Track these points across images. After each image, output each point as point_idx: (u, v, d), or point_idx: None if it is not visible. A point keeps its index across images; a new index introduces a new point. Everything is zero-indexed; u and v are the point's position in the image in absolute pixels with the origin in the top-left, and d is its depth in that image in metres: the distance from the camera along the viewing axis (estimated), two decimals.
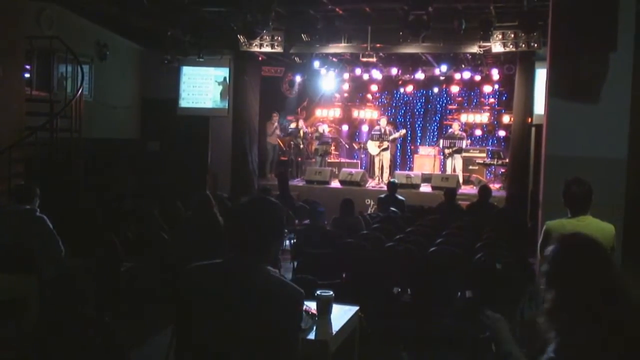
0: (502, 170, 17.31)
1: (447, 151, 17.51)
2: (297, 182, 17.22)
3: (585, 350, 2.54)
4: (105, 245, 7.32)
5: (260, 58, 17.02)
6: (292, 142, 18.89)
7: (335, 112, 21.56)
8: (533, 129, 14.51)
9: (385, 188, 14.09)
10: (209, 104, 17.02)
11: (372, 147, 17.70)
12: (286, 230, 10.63)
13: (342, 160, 20.11)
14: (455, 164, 17.39)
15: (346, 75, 20.18)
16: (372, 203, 15.12)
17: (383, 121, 18.10)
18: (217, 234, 8.02)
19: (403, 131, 19.05)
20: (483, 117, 19.93)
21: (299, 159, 19.07)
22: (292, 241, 10.26)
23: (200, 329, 3.01)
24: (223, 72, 16.83)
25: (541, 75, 13.33)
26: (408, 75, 19.07)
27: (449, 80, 19.58)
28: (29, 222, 6.51)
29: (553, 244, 2.76)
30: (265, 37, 14.66)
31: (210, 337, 2.98)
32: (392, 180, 14.73)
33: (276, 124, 18.91)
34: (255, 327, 2.91)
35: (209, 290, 3.02)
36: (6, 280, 5.71)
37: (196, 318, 3.02)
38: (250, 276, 2.97)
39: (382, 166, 17.56)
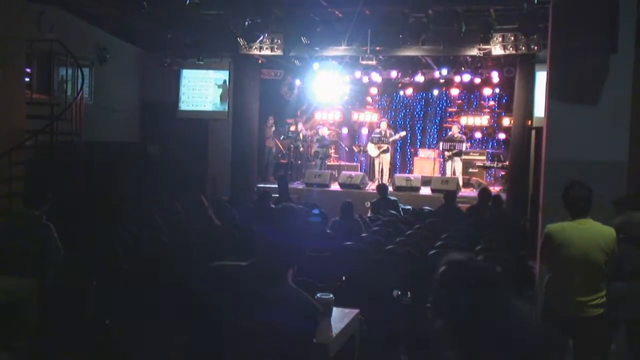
0: (502, 173, 17.31)
1: (447, 154, 17.51)
2: (297, 185, 17.21)
3: None
4: (106, 247, 7.32)
5: (259, 61, 17.03)
6: (291, 145, 18.89)
7: (335, 115, 21.53)
8: (533, 132, 14.50)
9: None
10: (208, 107, 17.03)
11: (372, 149, 17.71)
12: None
13: (342, 163, 20.11)
14: (455, 167, 17.39)
15: (346, 78, 20.19)
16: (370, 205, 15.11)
17: (383, 124, 18.11)
18: (212, 235, 8.03)
19: (403, 133, 19.07)
20: (483, 120, 19.91)
21: (299, 162, 19.06)
22: None
23: (214, 332, 3.01)
24: (223, 75, 16.85)
25: (541, 78, 13.32)
26: (408, 78, 19.06)
27: (449, 82, 19.57)
28: (34, 229, 6.49)
29: (443, 265, 2.78)
30: (264, 40, 14.67)
31: (221, 340, 2.98)
32: (381, 183, 14.75)
33: (273, 127, 18.93)
34: (270, 336, 2.90)
35: (228, 293, 3.02)
36: (6, 283, 5.69)
37: (211, 320, 3.02)
38: (270, 285, 2.97)
39: (382, 169, 17.57)
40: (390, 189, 15.58)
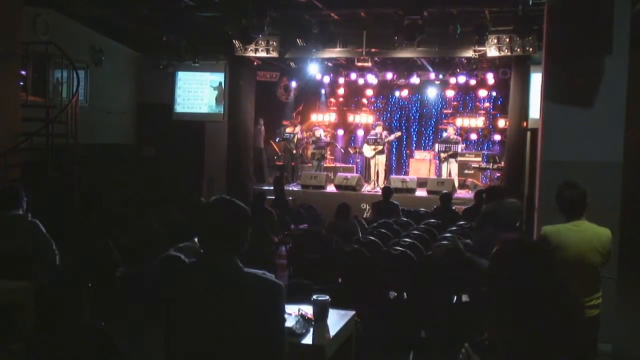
0: (498, 175, 17.33)
1: (442, 155, 17.52)
2: (293, 187, 17.20)
3: (520, 353, 2.66)
4: (101, 250, 7.31)
5: (255, 63, 17.02)
6: (287, 147, 18.89)
7: (331, 117, 21.58)
8: (528, 133, 14.53)
9: (380, 193, 14.05)
10: (204, 109, 17.02)
11: (368, 150, 17.71)
12: (278, 237, 10.71)
13: (338, 164, 20.11)
14: (451, 168, 17.40)
15: (341, 80, 20.24)
16: (367, 207, 15.12)
17: (379, 128, 18.08)
18: None
19: (398, 133, 19.15)
20: (478, 122, 19.97)
21: (295, 163, 19.04)
22: (288, 246, 10.28)
23: (183, 329, 3.05)
24: (218, 77, 16.84)
25: (536, 79, 13.36)
26: (403, 80, 19.10)
27: (444, 84, 19.62)
28: (21, 228, 6.44)
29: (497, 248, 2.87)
30: (260, 42, 14.66)
31: (193, 336, 3.02)
32: (386, 185, 14.77)
33: (262, 128, 18.98)
34: (236, 323, 2.95)
35: (188, 289, 3.10)
36: (2, 286, 5.69)
37: (179, 318, 3.08)
38: (224, 273, 3.05)
39: (378, 170, 17.56)
40: None
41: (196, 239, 3.30)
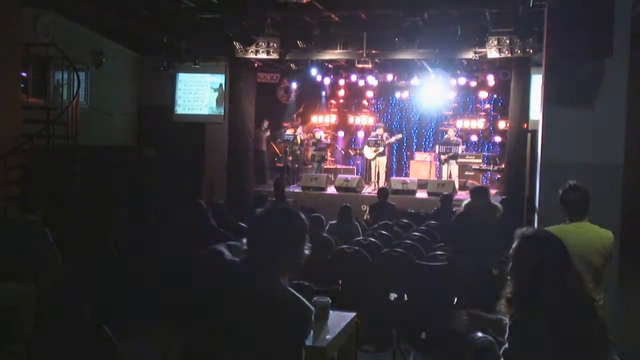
0: (498, 176, 17.33)
1: (443, 157, 17.53)
2: (293, 189, 17.19)
3: (531, 339, 2.72)
4: (102, 251, 7.31)
5: (255, 64, 17.02)
6: (288, 149, 18.88)
7: (331, 119, 21.57)
8: (529, 135, 14.51)
9: None
10: (204, 111, 16.99)
11: (368, 151, 17.70)
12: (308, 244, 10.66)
13: (338, 166, 20.12)
14: (451, 170, 17.40)
15: (342, 82, 20.22)
16: (368, 209, 15.11)
17: (380, 130, 18.07)
18: (209, 237, 8.01)
19: (399, 135, 19.08)
20: (479, 123, 19.95)
21: (295, 165, 19.05)
22: None
23: (201, 326, 3.03)
24: (219, 79, 16.81)
25: (537, 81, 13.34)
26: (404, 81, 19.09)
27: (445, 86, 19.59)
28: (31, 233, 6.47)
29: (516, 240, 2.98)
30: (260, 43, 14.67)
31: (209, 335, 3.00)
32: (382, 187, 14.76)
33: (268, 131, 19.00)
34: (256, 337, 2.91)
35: (216, 286, 3.06)
36: (3, 288, 5.69)
37: (200, 314, 3.05)
38: (258, 284, 2.98)
39: (378, 172, 17.56)
40: None
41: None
